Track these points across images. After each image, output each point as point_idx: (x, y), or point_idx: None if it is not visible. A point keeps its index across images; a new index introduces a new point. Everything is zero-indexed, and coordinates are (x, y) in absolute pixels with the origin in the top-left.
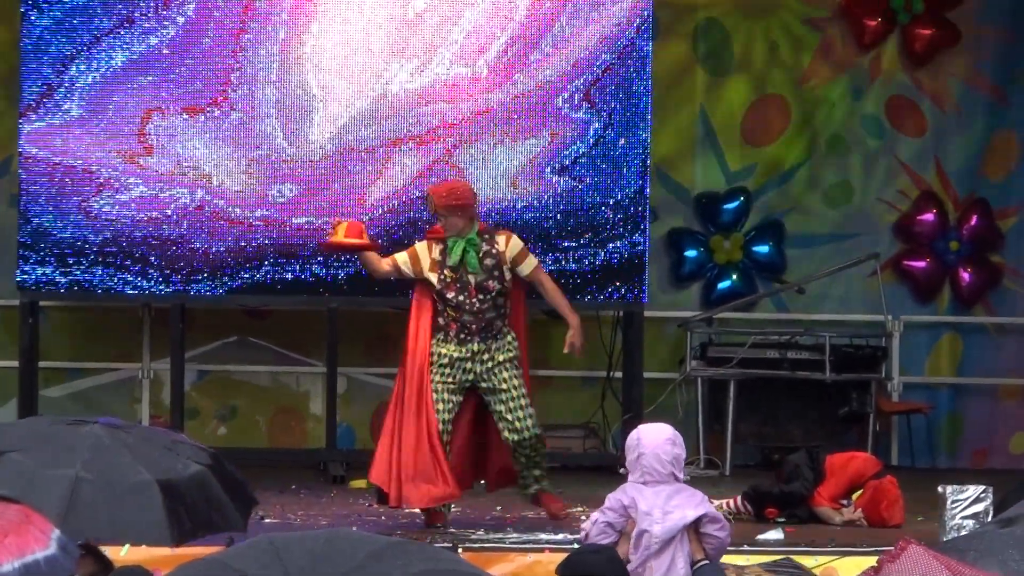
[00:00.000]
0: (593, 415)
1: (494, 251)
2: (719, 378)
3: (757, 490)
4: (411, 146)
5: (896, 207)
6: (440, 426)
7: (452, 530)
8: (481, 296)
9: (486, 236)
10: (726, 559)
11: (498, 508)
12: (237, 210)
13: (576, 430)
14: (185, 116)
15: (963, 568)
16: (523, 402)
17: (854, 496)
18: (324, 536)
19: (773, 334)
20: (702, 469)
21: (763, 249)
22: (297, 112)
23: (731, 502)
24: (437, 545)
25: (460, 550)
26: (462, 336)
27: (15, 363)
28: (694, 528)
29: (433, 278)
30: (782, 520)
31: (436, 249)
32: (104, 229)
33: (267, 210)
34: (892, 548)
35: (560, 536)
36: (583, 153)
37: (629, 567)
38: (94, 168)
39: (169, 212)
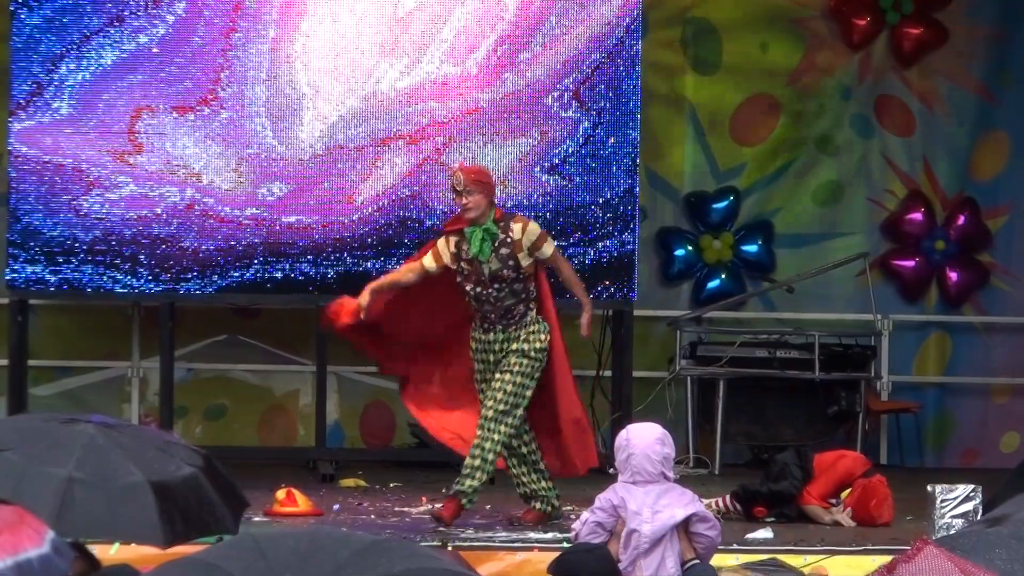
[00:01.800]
0: None
1: (508, 239)
2: (708, 377)
3: (746, 489)
4: (401, 145)
5: (884, 206)
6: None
7: (441, 528)
8: (497, 286)
9: (501, 224)
10: (713, 560)
11: (487, 507)
12: (227, 209)
13: None
14: (175, 115)
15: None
16: (500, 395)
17: (843, 495)
18: (308, 534)
19: (762, 333)
20: (691, 468)
21: (752, 248)
22: (287, 111)
23: (720, 501)
24: (424, 544)
25: (449, 549)
26: (485, 326)
27: (4, 362)
28: (684, 527)
29: (455, 269)
30: (771, 519)
31: (452, 242)
32: (94, 228)
33: (257, 209)
34: (908, 548)
35: (549, 535)
36: (572, 152)
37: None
38: (84, 167)
39: (159, 211)
